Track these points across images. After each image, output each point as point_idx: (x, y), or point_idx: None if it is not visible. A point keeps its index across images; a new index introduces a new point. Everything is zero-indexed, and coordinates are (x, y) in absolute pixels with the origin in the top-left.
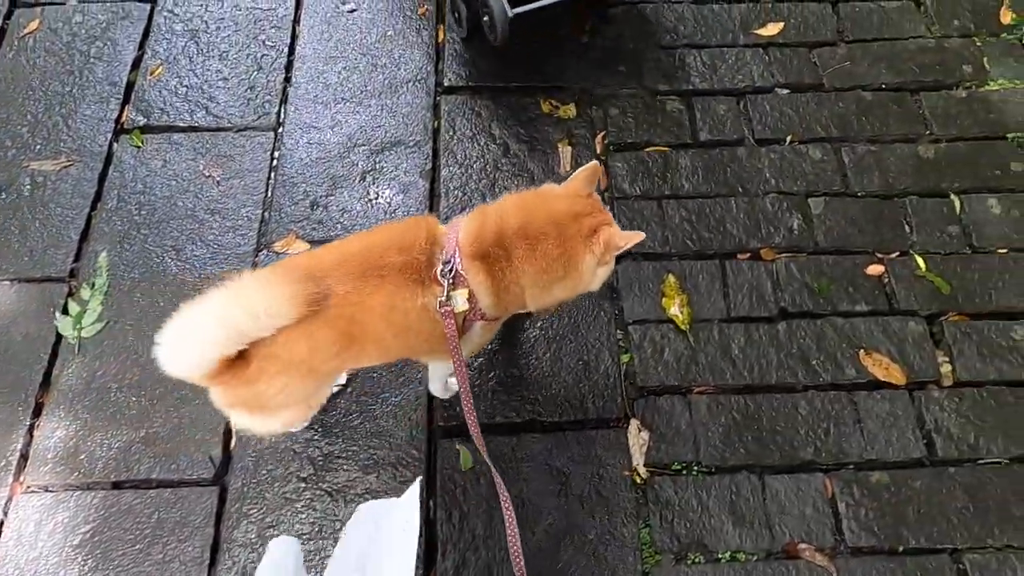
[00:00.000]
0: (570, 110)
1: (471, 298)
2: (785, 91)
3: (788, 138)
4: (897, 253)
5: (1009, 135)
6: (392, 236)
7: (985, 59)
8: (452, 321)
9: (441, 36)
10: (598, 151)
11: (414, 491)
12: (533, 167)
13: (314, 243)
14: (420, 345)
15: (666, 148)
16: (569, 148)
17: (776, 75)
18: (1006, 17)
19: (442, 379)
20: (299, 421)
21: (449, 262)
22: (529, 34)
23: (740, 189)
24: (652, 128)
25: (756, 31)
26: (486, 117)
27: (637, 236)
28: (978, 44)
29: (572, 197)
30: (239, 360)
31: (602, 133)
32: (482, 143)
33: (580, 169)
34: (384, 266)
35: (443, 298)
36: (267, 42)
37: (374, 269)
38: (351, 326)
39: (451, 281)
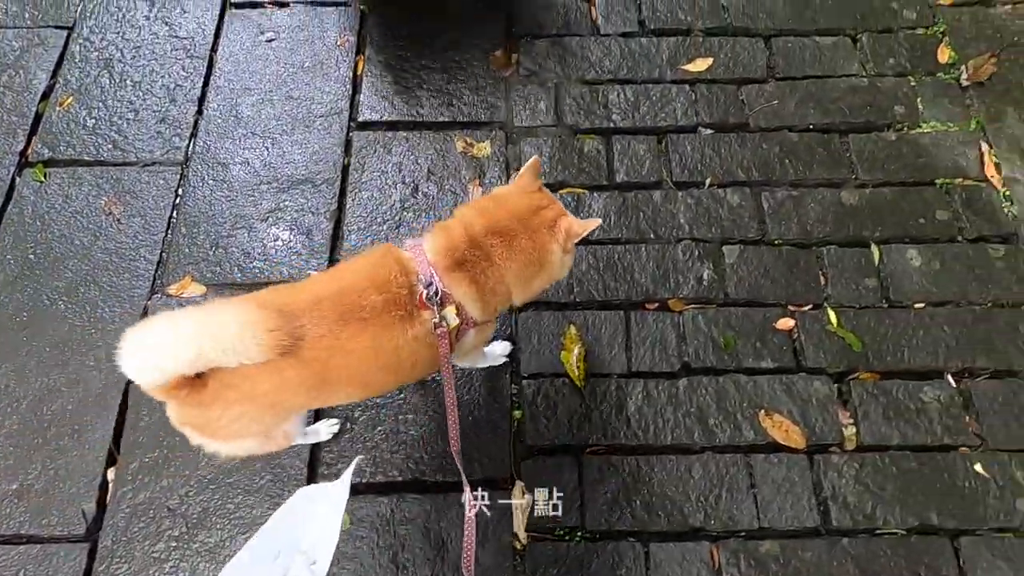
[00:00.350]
0: (484, 148)
1: (459, 311)
2: (708, 131)
3: (707, 181)
4: (810, 306)
5: (938, 181)
6: (365, 274)
7: (919, 99)
8: (446, 340)
9: (360, 68)
10: None
11: (348, 472)
12: (442, 208)
13: (211, 287)
14: (410, 373)
15: (582, 189)
16: (480, 189)
17: (701, 114)
18: (944, 55)
19: (484, 363)
20: (263, 451)
21: (431, 284)
22: (449, 66)
23: (652, 235)
24: (568, 168)
25: (684, 67)
26: (398, 154)
27: (594, 223)
28: (912, 84)
29: (526, 193)
30: (197, 379)
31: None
32: (391, 182)
33: (524, 166)
34: (364, 307)
35: (436, 320)
36: (182, 72)
37: (354, 312)
38: (325, 369)
39: (438, 303)
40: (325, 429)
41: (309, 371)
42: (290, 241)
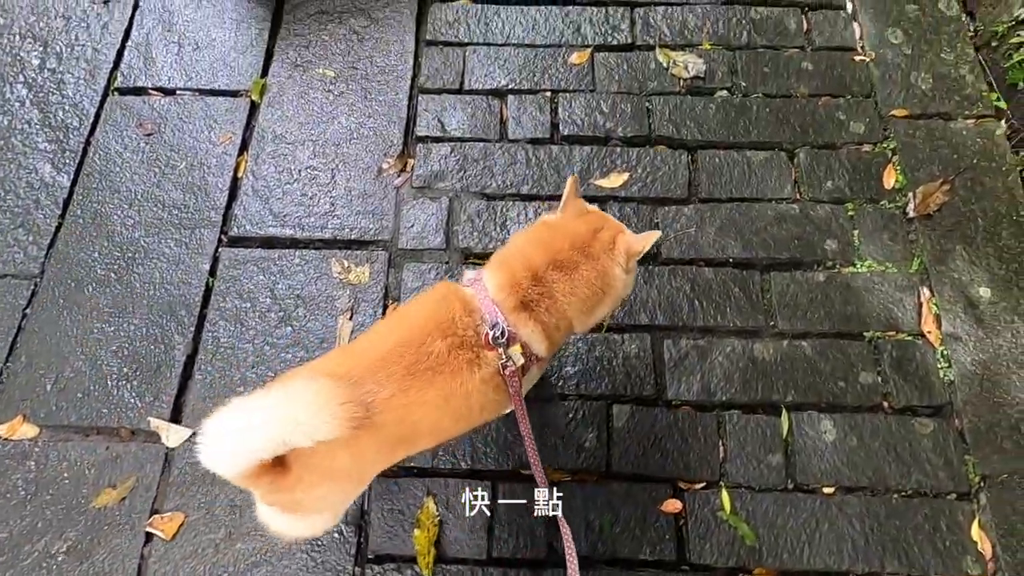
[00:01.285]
0: (362, 273)
1: (524, 349)
2: None
3: (603, 326)
4: (703, 484)
5: (867, 334)
6: (427, 319)
7: (856, 233)
8: (516, 380)
9: (241, 169)
10: None
11: None
12: (309, 341)
13: (45, 428)
14: (480, 416)
15: None
16: (350, 323)
17: None
18: (890, 178)
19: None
20: (330, 525)
21: (496, 324)
22: (337, 171)
23: (534, 390)
24: None
25: (597, 181)
26: (271, 274)
27: (653, 235)
28: (851, 213)
29: (580, 216)
30: (278, 465)
31: (394, 304)
32: (260, 308)
33: (566, 189)
34: (430, 356)
35: (504, 361)
36: (51, 168)
37: (420, 362)
38: (400, 428)
39: (505, 344)
40: None
41: (384, 435)
42: (132, 378)
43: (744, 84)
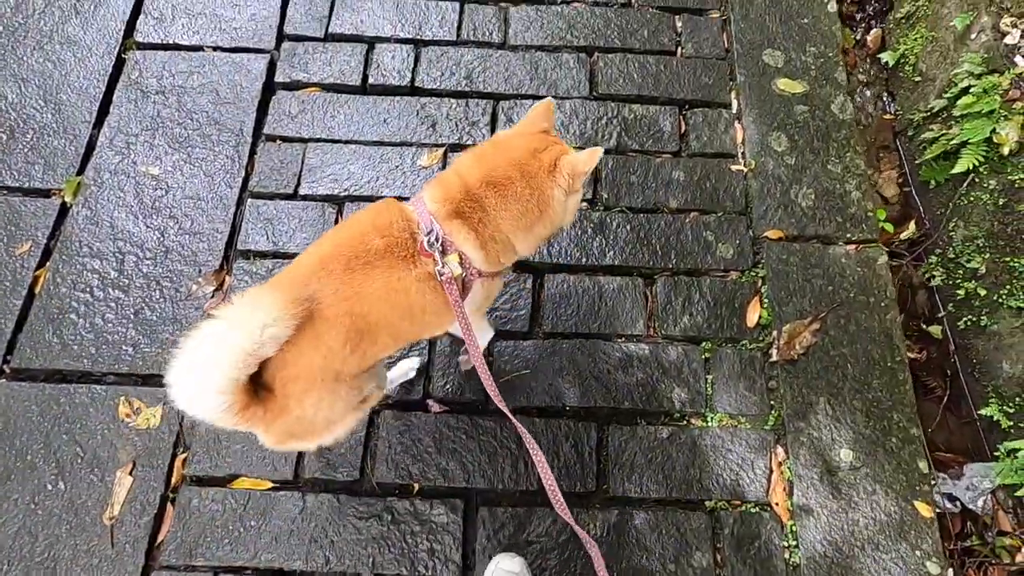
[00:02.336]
0: (154, 416)
1: (463, 260)
2: (437, 406)
3: (416, 488)
4: None
5: (708, 503)
6: (366, 223)
7: (710, 379)
8: (454, 287)
9: (40, 284)
10: (172, 482)
11: None
12: (80, 502)
13: None
14: (430, 320)
15: (264, 482)
16: (130, 479)
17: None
18: (754, 314)
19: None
20: (355, 425)
21: (431, 231)
22: (138, 292)
23: None
24: (239, 460)
25: None
26: (52, 418)
27: (595, 153)
28: (706, 355)
29: (525, 135)
30: (266, 394)
31: (184, 456)
32: (27, 459)
33: (534, 105)
34: (368, 251)
35: (440, 267)
36: None
37: (359, 258)
38: (355, 320)
39: (440, 249)
40: (407, 366)
41: (341, 327)
42: None
43: (606, 196)
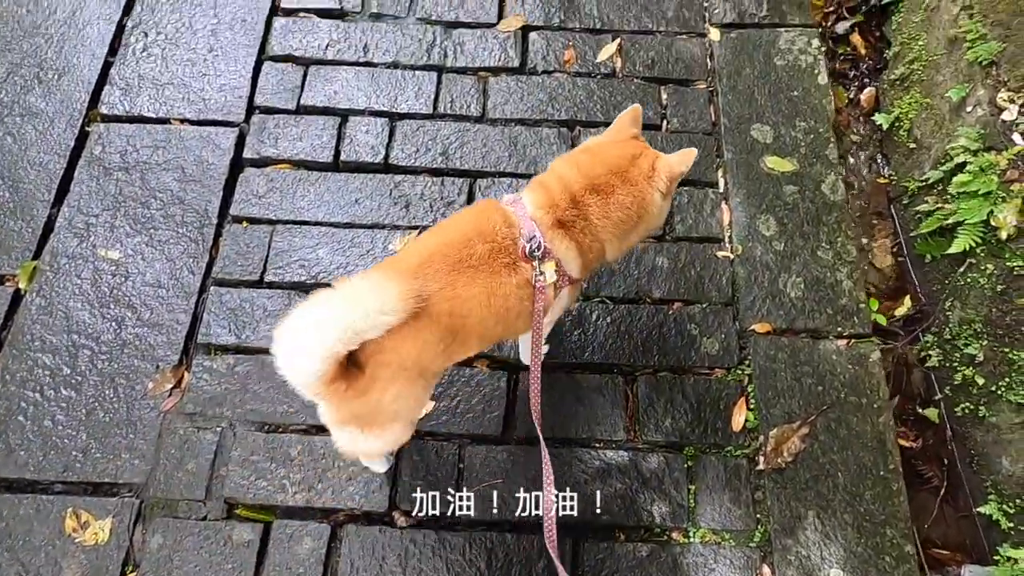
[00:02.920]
0: (103, 531)
1: (558, 267)
2: (404, 521)
3: None
4: None
5: None
6: (469, 226)
7: (692, 489)
8: (546, 294)
9: None
10: None
11: None
12: None
13: None
14: (518, 324)
15: None
16: None
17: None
18: (739, 417)
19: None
20: (401, 440)
21: (533, 238)
22: (95, 397)
23: None
24: (208, 570)
25: None
26: None
27: (690, 153)
28: (688, 463)
29: (620, 142)
30: (354, 370)
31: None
32: None
33: (622, 113)
34: (472, 256)
35: (537, 274)
36: None
37: (463, 261)
38: (452, 320)
39: (540, 256)
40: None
41: (440, 325)
42: None
43: (586, 285)
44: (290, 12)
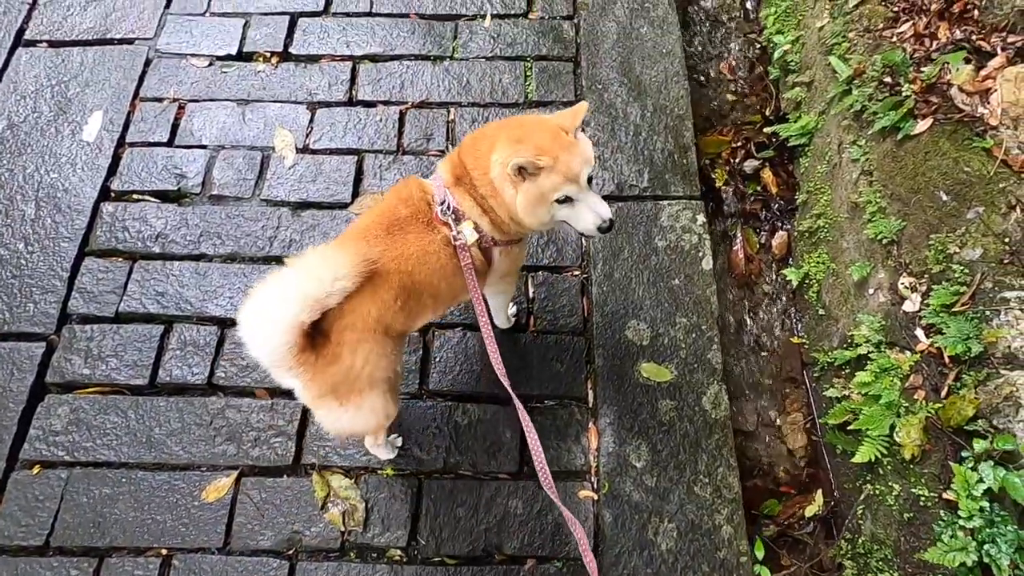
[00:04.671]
0: None
1: (478, 227)
2: None
3: None
4: None
5: None
6: (393, 196)
7: None
8: (467, 253)
9: None
10: None
11: None
12: None
13: None
14: (456, 281)
15: None
16: None
17: None
18: None
19: (503, 310)
20: (382, 414)
21: (444, 201)
22: None
23: None
24: None
25: None
26: None
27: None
28: None
29: (542, 119)
30: (321, 341)
31: None
32: None
33: (572, 107)
34: (399, 219)
35: (455, 233)
36: None
37: (395, 225)
38: (403, 277)
39: (453, 217)
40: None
41: (393, 283)
42: None
43: (424, 540)
44: (122, 196)
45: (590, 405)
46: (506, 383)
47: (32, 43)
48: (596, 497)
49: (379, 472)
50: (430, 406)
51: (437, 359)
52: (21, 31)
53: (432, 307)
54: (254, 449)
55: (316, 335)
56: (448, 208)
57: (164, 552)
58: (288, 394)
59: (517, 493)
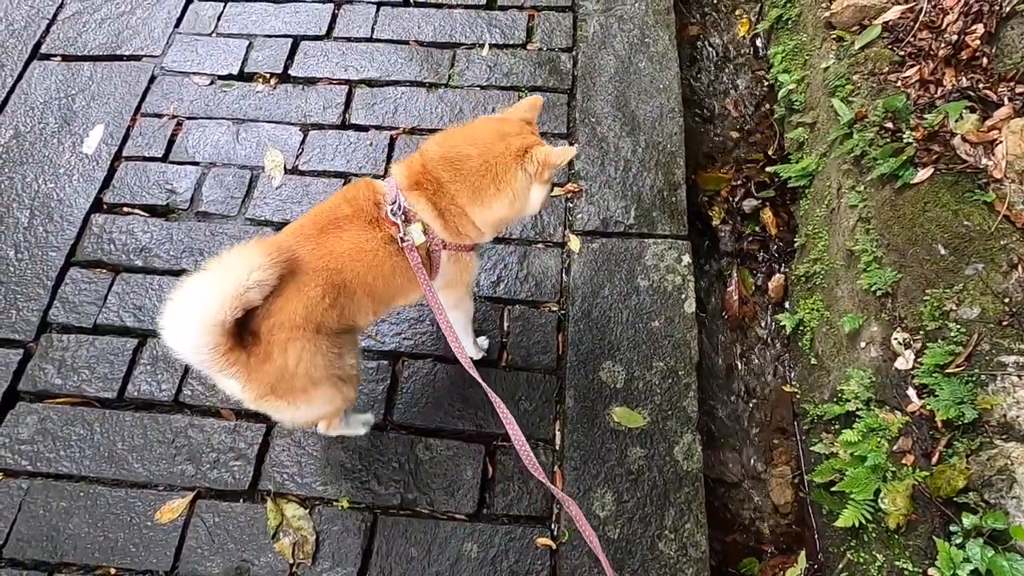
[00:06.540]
0: None
1: (427, 230)
2: None
3: None
4: None
5: None
6: (339, 197)
7: None
8: (415, 254)
9: None
10: None
11: None
12: None
13: None
14: (401, 283)
15: None
16: None
17: None
18: None
19: (465, 333)
20: (338, 400)
21: (395, 201)
22: None
23: None
24: None
25: None
26: None
27: (570, 151)
28: None
29: (502, 120)
30: (252, 340)
31: None
32: None
33: (524, 100)
34: (339, 218)
35: (402, 234)
36: None
37: (332, 223)
38: (330, 275)
39: (403, 218)
40: (362, 420)
41: (320, 280)
42: None
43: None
44: (113, 208)
45: (556, 447)
46: (473, 372)
47: (47, 56)
48: (555, 546)
49: (335, 503)
50: (393, 438)
51: (404, 389)
52: (38, 45)
53: (371, 306)
54: (212, 471)
55: (246, 335)
56: (399, 208)
57: (112, 572)
58: (253, 416)
59: (473, 536)
